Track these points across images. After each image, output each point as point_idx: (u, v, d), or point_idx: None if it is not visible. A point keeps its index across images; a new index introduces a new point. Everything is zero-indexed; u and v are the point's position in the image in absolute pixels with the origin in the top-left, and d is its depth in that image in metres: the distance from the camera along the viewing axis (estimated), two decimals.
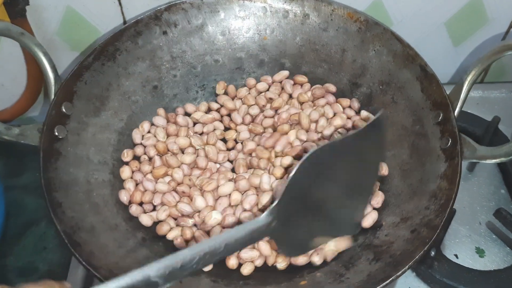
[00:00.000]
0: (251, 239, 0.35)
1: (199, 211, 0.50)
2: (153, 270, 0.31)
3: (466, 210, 0.57)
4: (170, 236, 0.49)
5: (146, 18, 0.58)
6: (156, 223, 0.51)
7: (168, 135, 0.56)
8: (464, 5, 0.62)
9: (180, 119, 0.58)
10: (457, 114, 0.49)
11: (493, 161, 0.45)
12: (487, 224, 0.56)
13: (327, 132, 0.55)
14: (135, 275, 0.30)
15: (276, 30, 0.61)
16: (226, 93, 0.61)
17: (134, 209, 0.51)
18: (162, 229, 0.49)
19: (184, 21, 0.60)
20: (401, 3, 0.61)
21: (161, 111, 0.59)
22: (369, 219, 0.49)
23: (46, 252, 0.56)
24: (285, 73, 0.61)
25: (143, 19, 0.57)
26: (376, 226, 0.49)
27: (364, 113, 0.57)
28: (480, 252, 0.54)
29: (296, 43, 0.61)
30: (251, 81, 0.61)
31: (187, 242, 0.49)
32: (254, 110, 0.58)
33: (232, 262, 0.47)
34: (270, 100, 0.59)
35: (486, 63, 0.48)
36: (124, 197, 0.52)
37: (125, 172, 0.53)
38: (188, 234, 0.49)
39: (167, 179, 0.53)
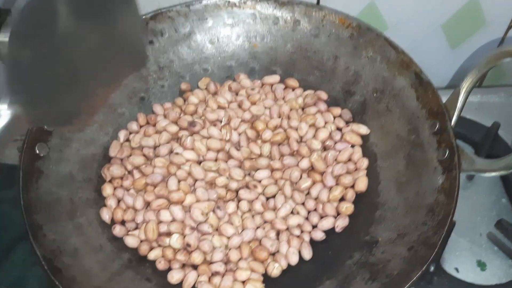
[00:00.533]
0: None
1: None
2: None
3: (466, 221, 0.55)
4: (150, 256, 0.47)
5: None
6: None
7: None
8: (461, 7, 0.60)
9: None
10: (454, 123, 0.47)
11: (492, 174, 0.43)
12: (488, 236, 0.54)
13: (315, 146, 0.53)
14: None
15: (267, 37, 0.59)
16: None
17: (118, 230, 0.49)
18: (141, 249, 0.47)
19: (171, 29, 0.58)
20: (396, 6, 0.60)
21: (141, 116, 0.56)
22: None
23: (36, 268, 0.53)
24: (276, 77, 0.59)
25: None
26: (372, 242, 0.47)
27: (354, 125, 0.55)
28: (481, 265, 0.53)
29: (287, 50, 0.59)
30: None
31: (170, 262, 0.47)
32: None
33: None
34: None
35: (483, 70, 0.46)
36: (106, 215, 0.50)
37: (106, 189, 0.51)
38: (168, 255, 0.46)
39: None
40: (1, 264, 0.55)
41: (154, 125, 0.55)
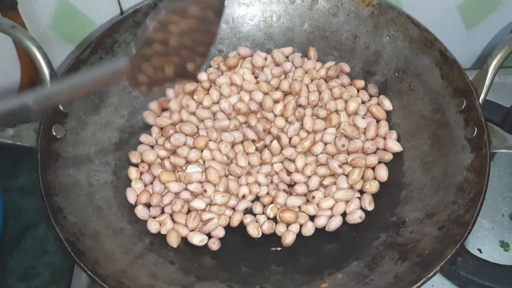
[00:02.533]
0: (111, 77, 0.39)
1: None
2: (30, 98, 0.34)
3: (488, 202, 0.54)
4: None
5: (145, 7, 0.54)
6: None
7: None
8: None
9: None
10: (482, 101, 0.46)
11: None
12: (511, 216, 0.54)
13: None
14: (14, 101, 0.33)
15: (283, 16, 0.58)
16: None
17: (140, 210, 0.48)
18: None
19: None
20: None
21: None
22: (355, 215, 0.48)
23: (47, 256, 0.54)
24: (289, 49, 0.58)
25: (141, 8, 0.54)
26: (399, 222, 0.46)
27: (381, 98, 0.54)
28: (504, 245, 0.52)
29: (304, 30, 0.58)
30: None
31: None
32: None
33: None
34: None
35: None
36: (131, 197, 0.49)
37: (132, 173, 0.51)
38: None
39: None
40: (12, 254, 0.54)
41: None
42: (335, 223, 0.48)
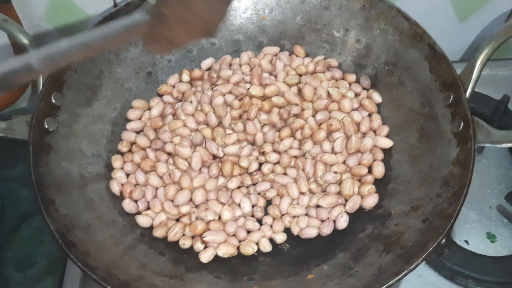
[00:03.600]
0: (128, 32, 0.36)
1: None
2: (34, 57, 0.31)
3: (476, 194, 0.55)
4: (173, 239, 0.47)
5: (137, 0, 0.54)
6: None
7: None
8: None
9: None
10: (469, 95, 0.46)
11: (509, 145, 0.43)
12: (498, 208, 0.55)
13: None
14: (16, 61, 0.31)
15: (275, 9, 0.58)
16: None
17: (127, 204, 0.49)
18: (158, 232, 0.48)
19: None
20: None
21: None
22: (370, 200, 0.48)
23: (44, 246, 0.55)
24: (276, 49, 0.58)
25: (134, 1, 0.54)
26: (385, 215, 0.47)
27: (370, 92, 0.55)
28: (491, 237, 0.53)
29: (296, 23, 0.58)
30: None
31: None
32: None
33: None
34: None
35: (500, 40, 0.45)
36: (116, 187, 0.50)
37: (117, 161, 0.51)
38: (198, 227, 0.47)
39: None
40: (9, 243, 0.55)
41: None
42: (327, 230, 0.48)
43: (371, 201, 0.48)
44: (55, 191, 0.45)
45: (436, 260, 0.50)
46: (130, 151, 0.53)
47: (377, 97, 0.54)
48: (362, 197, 0.49)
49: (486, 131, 0.44)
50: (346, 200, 0.48)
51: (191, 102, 0.54)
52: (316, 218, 0.48)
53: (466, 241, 0.53)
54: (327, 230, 0.47)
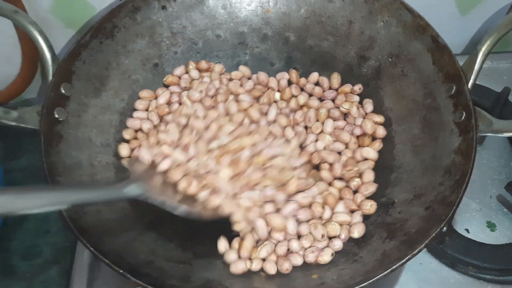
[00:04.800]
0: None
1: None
2: None
3: (477, 184, 0.56)
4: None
5: None
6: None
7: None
8: None
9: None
10: (471, 86, 0.47)
11: (511, 134, 0.44)
12: (498, 198, 0.56)
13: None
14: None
15: (280, 2, 0.59)
16: None
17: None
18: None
19: None
20: None
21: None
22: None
23: (50, 236, 0.56)
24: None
25: None
26: (388, 203, 0.48)
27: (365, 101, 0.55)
28: (491, 226, 0.54)
29: (301, 16, 0.59)
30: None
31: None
32: None
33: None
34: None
35: (502, 32, 0.46)
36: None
37: (123, 150, 0.52)
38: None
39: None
40: (15, 233, 0.55)
41: None
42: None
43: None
44: (66, 179, 0.45)
45: (437, 248, 0.51)
46: (135, 138, 0.53)
47: (369, 107, 0.55)
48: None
49: (487, 121, 0.45)
50: None
51: (200, 91, 0.55)
52: None
53: (467, 230, 0.54)
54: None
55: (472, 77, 0.47)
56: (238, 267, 0.44)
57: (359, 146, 0.53)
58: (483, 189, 0.56)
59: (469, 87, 0.47)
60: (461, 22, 0.67)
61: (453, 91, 0.48)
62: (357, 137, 0.53)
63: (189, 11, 0.58)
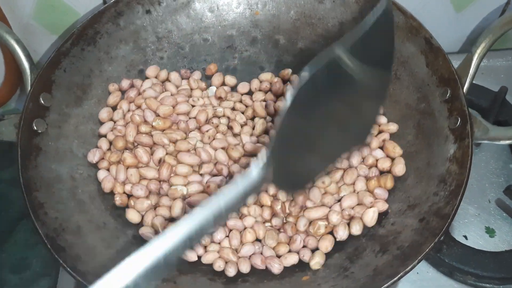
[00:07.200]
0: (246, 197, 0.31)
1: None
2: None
3: (474, 188, 0.54)
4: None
5: None
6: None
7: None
8: None
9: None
10: (466, 90, 0.45)
11: (507, 142, 0.42)
12: (497, 202, 0.54)
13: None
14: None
15: (269, 3, 0.57)
16: None
17: (118, 199, 0.48)
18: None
19: None
20: None
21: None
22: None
23: (39, 248, 0.54)
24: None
25: None
26: (381, 214, 0.46)
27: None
28: (490, 232, 0.52)
29: (290, 17, 0.57)
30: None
31: None
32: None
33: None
34: None
35: (497, 34, 0.44)
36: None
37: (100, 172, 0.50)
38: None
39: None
40: (3, 246, 0.54)
41: None
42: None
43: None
44: (44, 195, 0.44)
45: (434, 257, 0.49)
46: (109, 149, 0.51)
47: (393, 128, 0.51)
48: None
49: (483, 127, 0.43)
50: None
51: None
52: None
53: (465, 236, 0.52)
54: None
55: (468, 81, 0.46)
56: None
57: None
58: (481, 193, 0.54)
59: (464, 91, 0.45)
60: (456, 19, 0.65)
61: (447, 95, 0.46)
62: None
63: (175, 15, 0.57)
